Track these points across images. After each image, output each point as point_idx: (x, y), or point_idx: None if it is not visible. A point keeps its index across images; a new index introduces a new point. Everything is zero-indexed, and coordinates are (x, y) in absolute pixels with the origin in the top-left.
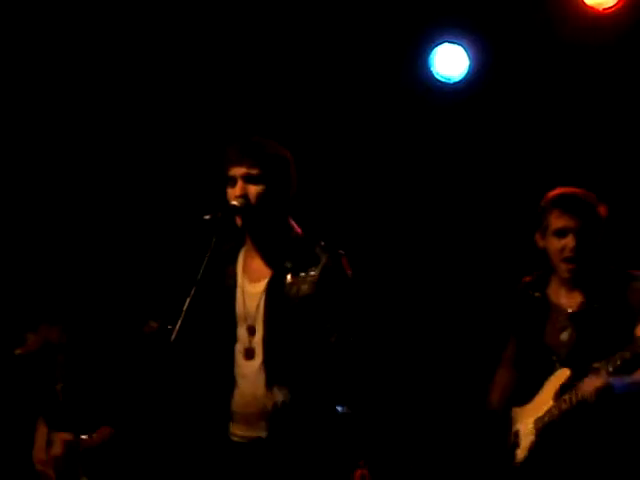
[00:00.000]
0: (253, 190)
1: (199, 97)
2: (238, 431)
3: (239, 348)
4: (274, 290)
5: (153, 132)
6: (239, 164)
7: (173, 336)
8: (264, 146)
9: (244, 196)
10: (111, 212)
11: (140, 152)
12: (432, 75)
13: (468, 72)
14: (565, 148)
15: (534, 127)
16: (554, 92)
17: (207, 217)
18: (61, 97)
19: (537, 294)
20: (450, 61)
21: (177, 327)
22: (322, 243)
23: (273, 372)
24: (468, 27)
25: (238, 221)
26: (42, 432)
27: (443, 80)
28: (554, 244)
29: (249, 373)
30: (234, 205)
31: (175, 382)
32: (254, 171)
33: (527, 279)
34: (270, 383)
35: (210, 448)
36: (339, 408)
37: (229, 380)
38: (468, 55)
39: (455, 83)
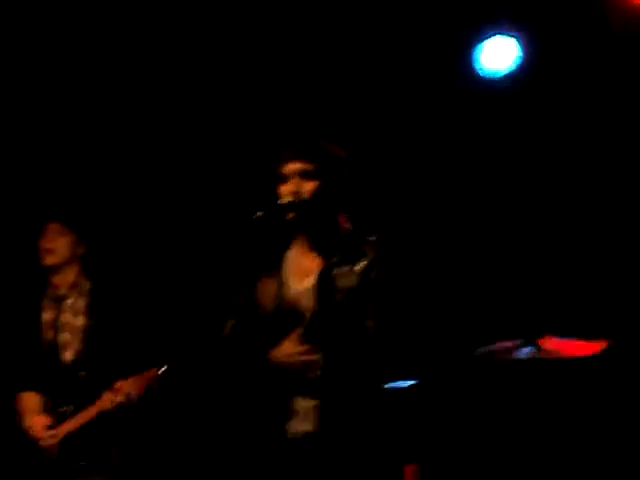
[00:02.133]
0: (307, 186)
1: (249, 93)
2: (293, 427)
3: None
4: (323, 286)
5: (210, 128)
6: (294, 161)
7: (226, 331)
8: (317, 143)
9: (298, 193)
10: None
11: (192, 149)
12: (480, 68)
13: (516, 65)
14: (615, 140)
15: (584, 119)
16: (604, 84)
17: (259, 214)
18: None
19: None
20: (498, 54)
21: (232, 321)
22: (371, 238)
23: (326, 366)
24: (516, 19)
25: (290, 217)
26: (32, 405)
27: (491, 74)
28: None
29: None
30: (288, 201)
31: (232, 378)
32: (308, 167)
33: None
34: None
35: (267, 445)
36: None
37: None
38: (517, 47)
39: (503, 76)
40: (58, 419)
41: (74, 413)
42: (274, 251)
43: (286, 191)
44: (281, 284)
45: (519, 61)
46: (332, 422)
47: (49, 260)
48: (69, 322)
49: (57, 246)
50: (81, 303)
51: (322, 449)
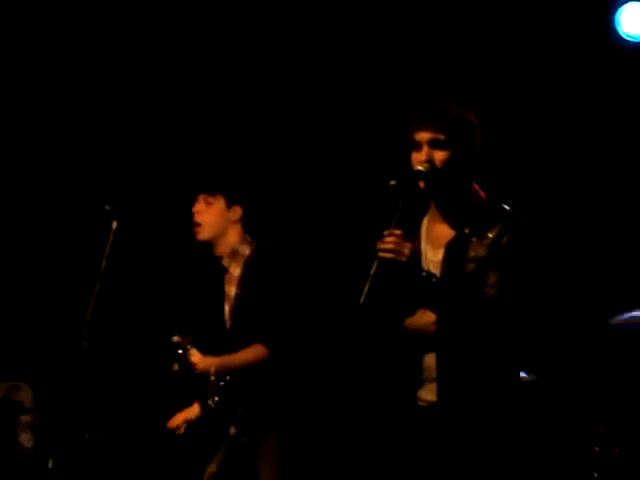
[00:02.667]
0: (439, 155)
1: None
2: (425, 396)
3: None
4: (450, 258)
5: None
6: (425, 129)
7: (362, 299)
8: (449, 110)
9: (430, 161)
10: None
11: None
12: (619, 34)
13: None
14: None
15: None
16: None
17: (393, 182)
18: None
19: None
20: (637, 19)
21: (365, 290)
22: (504, 207)
23: (448, 336)
24: None
25: (422, 186)
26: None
27: (630, 39)
28: None
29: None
30: (419, 170)
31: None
32: (440, 136)
33: None
34: (448, 348)
35: (397, 413)
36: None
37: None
38: None
39: None
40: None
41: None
42: (411, 220)
43: (418, 159)
44: (419, 253)
45: None
46: (451, 394)
47: (200, 236)
48: (229, 293)
49: (204, 219)
50: (237, 272)
51: (443, 420)
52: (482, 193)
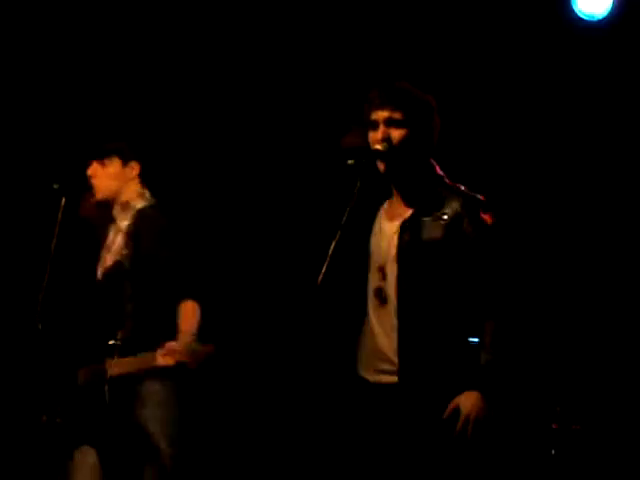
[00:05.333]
0: (395, 133)
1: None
2: (368, 377)
3: (371, 291)
4: (407, 231)
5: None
6: (381, 108)
7: (320, 279)
8: (406, 90)
9: (387, 140)
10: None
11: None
12: (575, 13)
13: (612, 8)
14: None
15: None
16: None
17: (350, 162)
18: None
19: None
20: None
21: (323, 270)
22: (461, 187)
23: (405, 316)
24: None
25: (380, 166)
26: None
27: (586, 17)
28: None
29: (382, 316)
30: (377, 149)
31: (317, 325)
32: (397, 115)
33: None
34: (403, 327)
35: (342, 391)
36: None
37: (361, 324)
38: None
39: (599, 20)
40: (107, 352)
41: (121, 351)
42: (369, 200)
43: (375, 138)
44: (371, 228)
45: (614, 5)
46: (411, 373)
47: (98, 196)
48: (111, 242)
49: (99, 182)
50: (124, 224)
51: (402, 399)
52: (441, 172)
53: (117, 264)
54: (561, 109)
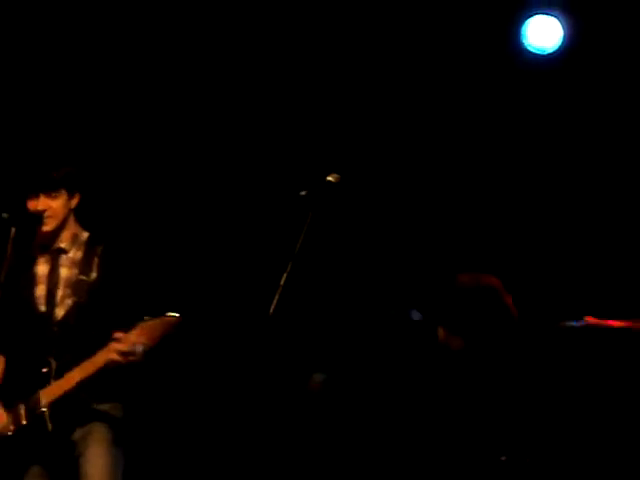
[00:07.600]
0: None
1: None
2: None
3: None
4: None
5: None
6: None
7: (271, 310)
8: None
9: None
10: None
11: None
12: (525, 46)
13: (562, 43)
14: None
15: (630, 99)
16: None
17: (303, 193)
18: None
19: None
20: (543, 32)
21: (275, 301)
22: None
23: None
24: None
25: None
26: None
27: (536, 51)
28: None
29: None
30: (330, 181)
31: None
32: None
33: None
34: None
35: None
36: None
37: None
38: (562, 26)
39: (549, 54)
40: (40, 380)
41: (59, 371)
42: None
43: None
44: None
45: (564, 40)
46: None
47: (49, 227)
48: (65, 275)
49: (53, 212)
50: (79, 255)
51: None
52: None
53: (77, 304)
54: (510, 143)
